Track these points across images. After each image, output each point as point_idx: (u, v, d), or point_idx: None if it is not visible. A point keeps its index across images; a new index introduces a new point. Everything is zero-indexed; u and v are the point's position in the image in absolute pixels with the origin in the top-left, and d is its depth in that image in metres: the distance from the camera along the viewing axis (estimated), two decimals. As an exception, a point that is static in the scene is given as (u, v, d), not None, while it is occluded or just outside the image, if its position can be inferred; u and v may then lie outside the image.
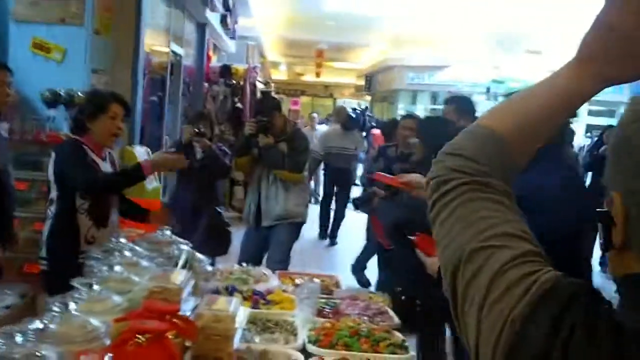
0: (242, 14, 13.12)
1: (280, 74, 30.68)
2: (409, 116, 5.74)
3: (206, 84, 10.05)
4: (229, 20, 11.03)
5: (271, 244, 4.70)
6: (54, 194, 3.15)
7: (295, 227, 4.76)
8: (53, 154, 3.20)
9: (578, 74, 0.87)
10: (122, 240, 2.48)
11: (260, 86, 12.14)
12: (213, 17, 9.74)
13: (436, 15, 14.00)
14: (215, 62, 11.32)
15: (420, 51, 19.05)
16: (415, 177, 2.78)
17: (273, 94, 13.50)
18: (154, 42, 7.11)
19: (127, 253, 2.37)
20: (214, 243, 4.82)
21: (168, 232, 2.79)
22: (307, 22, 16.45)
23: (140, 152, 5.52)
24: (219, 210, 5.07)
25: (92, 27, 5.20)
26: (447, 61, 17.31)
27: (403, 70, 20.78)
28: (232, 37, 12.71)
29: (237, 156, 4.73)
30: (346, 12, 14.66)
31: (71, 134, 3.38)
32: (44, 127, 5.00)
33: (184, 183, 4.87)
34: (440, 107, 19.33)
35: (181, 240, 2.72)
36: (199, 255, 2.72)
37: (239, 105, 9.78)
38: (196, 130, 4.65)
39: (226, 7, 10.51)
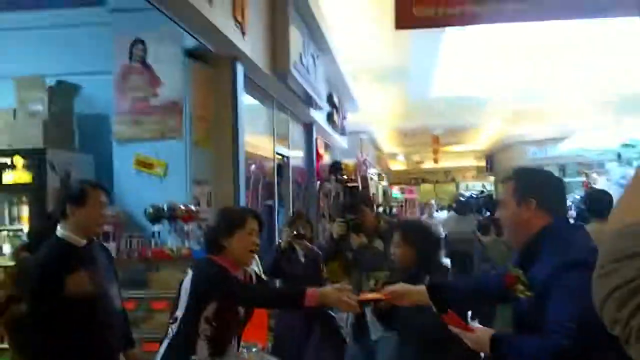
0: (350, 110, 13.20)
1: (399, 164, 30.60)
2: None
3: (319, 183, 10.01)
4: (335, 117, 11.07)
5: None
6: (179, 313, 2.95)
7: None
8: (190, 271, 3.01)
9: None
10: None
11: (373, 179, 11.93)
12: (319, 116, 9.78)
13: (551, 87, 13.45)
14: (327, 160, 11.35)
15: (539, 124, 18.31)
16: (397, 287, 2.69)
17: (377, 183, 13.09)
18: (258, 147, 7.14)
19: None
20: (330, 354, 4.50)
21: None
22: (417, 110, 16.34)
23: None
24: (331, 314, 4.73)
25: (191, 139, 5.24)
26: (568, 131, 16.45)
27: (523, 146, 19.99)
28: (342, 134, 12.75)
29: (327, 260, 4.40)
30: (455, 96, 14.41)
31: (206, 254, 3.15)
32: (149, 244, 4.99)
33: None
34: (570, 179, 18.41)
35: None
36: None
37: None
38: (295, 232, 4.42)
39: (331, 104, 10.57)
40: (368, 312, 4.10)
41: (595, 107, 14.49)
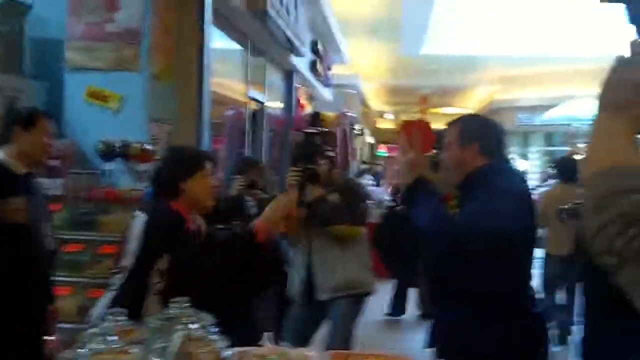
0: (337, 62, 12.74)
1: (386, 123, 30.22)
2: None
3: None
4: (319, 66, 10.63)
5: (330, 324, 3.89)
6: (126, 262, 2.68)
7: (359, 300, 3.93)
8: (140, 215, 2.72)
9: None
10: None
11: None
12: (300, 64, 9.35)
13: (545, 51, 13.05)
14: (310, 111, 10.96)
15: (530, 90, 17.95)
16: None
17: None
18: (229, 89, 6.74)
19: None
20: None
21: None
22: (407, 67, 15.89)
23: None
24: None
25: (150, 73, 4.83)
26: (558, 99, 16.12)
27: (512, 112, 19.66)
28: (327, 85, 12.33)
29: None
30: (445, 54, 13.97)
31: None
32: (99, 183, 4.62)
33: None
34: (556, 148, 18.14)
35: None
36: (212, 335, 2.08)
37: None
38: (244, 182, 4.06)
39: (315, 52, 10.12)
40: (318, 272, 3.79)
41: (586, 75, 14.15)
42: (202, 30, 5.19)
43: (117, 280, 2.68)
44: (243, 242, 2.67)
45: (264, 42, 7.47)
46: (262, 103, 8.02)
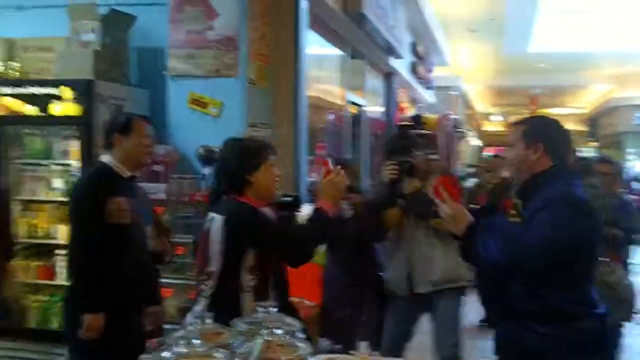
0: (438, 63, 12.49)
1: (492, 126, 29.36)
2: (604, 160, 4.80)
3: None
4: (420, 68, 10.44)
5: (435, 321, 3.81)
6: (213, 266, 2.63)
7: (459, 293, 3.84)
8: (215, 216, 2.66)
9: None
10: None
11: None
12: (400, 66, 9.21)
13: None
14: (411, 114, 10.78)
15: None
16: None
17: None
18: (326, 93, 6.74)
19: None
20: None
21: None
22: (513, 66, 15.35)
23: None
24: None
25: (247, 78, 4.89)
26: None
27: (630, 110, 18.52)
28: (429, 88, 12.11)
29: (384, 208, 3.88)
30: (555, 52, 13.36)
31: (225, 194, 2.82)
32: (200, 187, 4.71)
33: (331, 251, 4.20)
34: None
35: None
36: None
37: (433, 156, 9.02)
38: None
39: (416, 54, 9.95)
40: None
41: None
42: (297, 34, 5.21)
43: (208, 287, 2.66)
44: (322, 222, 2.65)
45: (363, 45, 7.42)
46: (361, 107, 7.96)
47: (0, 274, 3.93)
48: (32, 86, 4.56)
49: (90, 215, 3.02)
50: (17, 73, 4.84)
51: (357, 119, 7.86)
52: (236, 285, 2.58)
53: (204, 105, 4.90)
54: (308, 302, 4.35)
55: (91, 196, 3.05)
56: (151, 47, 5.17)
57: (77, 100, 4.46)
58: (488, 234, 2.43)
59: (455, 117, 11.08)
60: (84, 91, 4.48)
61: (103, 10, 4.89)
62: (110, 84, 4.72)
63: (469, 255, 2.56)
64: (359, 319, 4.00)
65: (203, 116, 4.89)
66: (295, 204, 2.94)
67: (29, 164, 4.70)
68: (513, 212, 2.59)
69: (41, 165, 4.68)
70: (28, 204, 4.74)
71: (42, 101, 4.49)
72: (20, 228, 4.64)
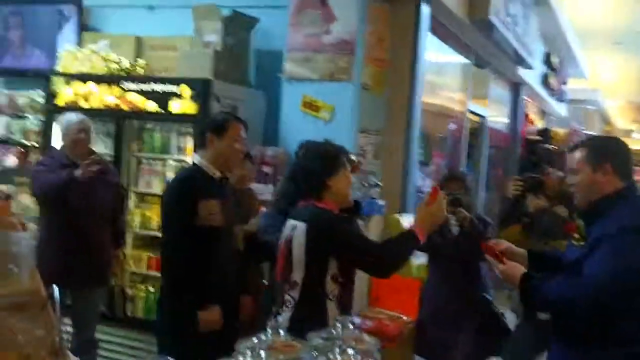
0: (574, 75, 11.81)
1: (634, 144, 27.49)
2: None
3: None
4: (552, 80, 9.91)
5: None
6: (297, 276, 2.59)
7: None
8: (297, 223, 2.61)
9: None
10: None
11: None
12: (530, 76, 8.78)
13: None
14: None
15: None
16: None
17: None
18: (445, 101, 6.53)
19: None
20: (486, 340, 3.89)
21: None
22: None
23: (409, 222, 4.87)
24: (487, 297, 4.07)
25: (361, 83, 4.82)
26: None
27: None
28: (561, 100, 11.47)
29: (503, 226, 3.67)
30: None
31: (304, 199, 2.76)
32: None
33: (433, 267, 4.03)
34: None
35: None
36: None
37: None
38: (450, 196, 3.76)
39: (548, 65, 9.45)
40: None
41: None
42: (416, 40, 5.07)
43: (292, 296, 2.61)
44: (410, 244, 2.61)
45: (488, 53, 7.13)
46: (483, 117, 7.66)
47: (109, 262, 4.12)
48: (155, 83, 4.74)
49: (181, 218, 3.01)
50: (143, 70, 5.06)
51: (477, 129, 7.57)
52: (321, 293, 2.54)
53: (316, 109, 4.88)
54: (404, 318, 4.22)
55: (183, 198, 3.04)
56: (272, 50, 5.22)
57: (194, 98, 4.59)
58: (542, 281, 2.41)
59: (589, 132, 10.40)
60: (200, 90, 4.60)
61: (227, 12, 5.01)
62: (227, 85, 4.82)
63: (533, 303, 2.55)
64: (457, 340, 3.82)
65: (314, 120, 4.87)
66: (356, 210, 2.90)
67: (147, 157, 4.90)
68: (575, 235, 2.66)
69: (158, 159, 4.86)
70: (143, 197, 4.95)
71: (163, 98, 4.66)
72: (135, 219, 4.85)
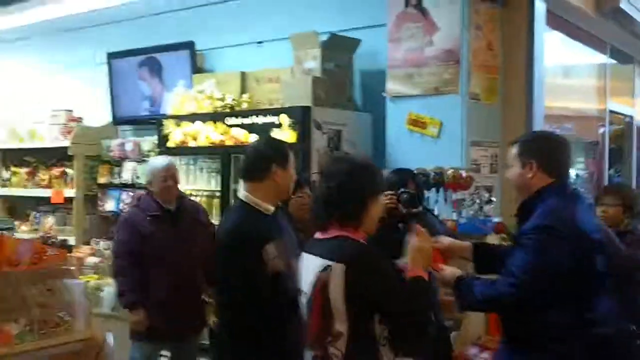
0: None
1: None
2: None
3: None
4: None
5: None
6: (341, 326, 2.19)
7: None
8: (336, 267, 2.20)
9: None
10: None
11: None
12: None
13: None
14: None
15: None
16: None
17: None
18: (576, 103, 5.92)
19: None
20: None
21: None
22: None
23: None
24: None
25: (468, 93, 4.47)
26: None
27: None
28: None
29: None
30: None
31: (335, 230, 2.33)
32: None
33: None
34: None
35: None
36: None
37: None
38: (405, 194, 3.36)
39: None
40: None
41: None
42: (531, 40, 4.63)
43: (338, 349, 2.21)
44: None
45: (628, 45, 6.39)
46: (630, 117, 6.87)
47: (204, 307, 3.93)
48: (257, 116, 4.72)
49: (255, 268, 2.64)
50: (247, 104, 5.07)
51: (623, 131, 6.79)
52: (370, 340, 2.19)
53: (423, 125, 4.60)
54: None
55: (249, 245, 2.66)
56: (376, 70, 5.02)
57: (293, 127, 4.50)
58: (472, 282, 2.50)
59: None
60: (299, 118, 4.50)
61: (324, 37, 4.90)
62: (328, 110, 4.69)
63: (467, 304, 2.61)
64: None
65: (421, 137, 4.59)
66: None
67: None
68: (502, 235, 2.85)
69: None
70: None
71: (264, 130, 4.62)
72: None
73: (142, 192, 4.60)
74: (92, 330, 2.44)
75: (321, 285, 2.21)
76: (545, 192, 2.52)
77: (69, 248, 2.66)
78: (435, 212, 4.31)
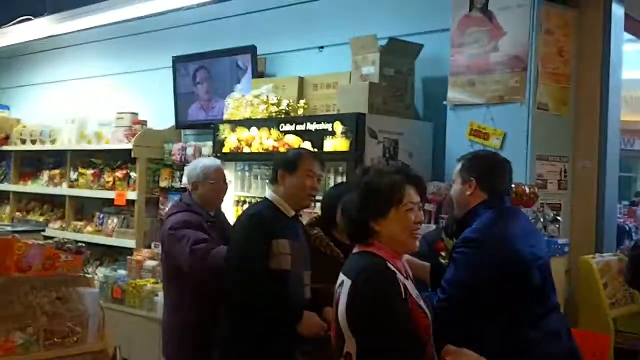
0: None
1: None
2: None
3: None
4: None
5: None
6: (350, 346, 2.03)
7: None
8: (346, 282, 2.08)
9: None
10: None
11: None
12: None
13: None
14: None
15: None
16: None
17: None
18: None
19: None
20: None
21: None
22: None
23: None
24: None
25: (537, 103, 4.15)
26: None
27: None
28: None
29: None
30: None
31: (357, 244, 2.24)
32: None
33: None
34: None
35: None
36: None
37: None
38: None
39: None
40: None
41: None
42: (608, 47, 4.27)
43: None
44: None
45: None
46: None
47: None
48: (311, 123, 4.56)
49: (256, 258, 2.80)
50: (303, 110, 4.93)
51: None
52: None
53: (485, 136, 4.31)
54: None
55: (257, 235, 2.84)
56: (438, 77, 4.77)
57: (346, 134, 4.32)
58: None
59: None
60: (353, 125, 4.31)
61: (383, 42, 4.69)
62: (385, 118, 4.48)
63: None
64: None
65: (484, 149, 4.29)
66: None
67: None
68: (442, 253, 2.87)
69: (317, 201, 4.63)
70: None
71: (318, 137, 4.46)
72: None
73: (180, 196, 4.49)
74: (105, 342, 2.33)
75: (335, 302, 2.10)
76: (480, 208, 2.67)
77: (85, 254, 2.56)
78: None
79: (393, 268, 2.07)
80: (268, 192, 3.12)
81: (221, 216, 3.96)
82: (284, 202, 3.00)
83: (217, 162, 4.00)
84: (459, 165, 2.81)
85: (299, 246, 2.97)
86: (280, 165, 3.06)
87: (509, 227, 2.60)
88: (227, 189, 3.93)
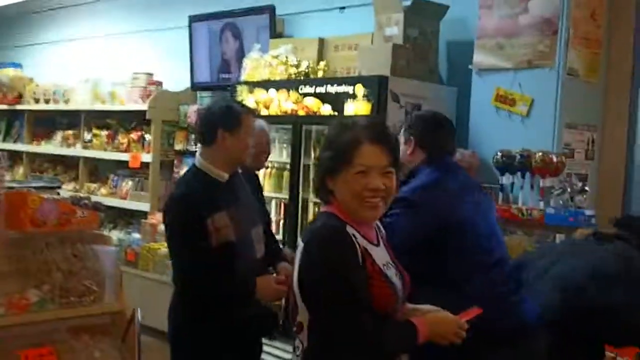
0: None
1: None
2: None
3: None
4: None
5: None
6: (302, 316, 1.88)
7: None
8: (300, 245, 1.91)
9: None
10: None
11: None
12: None
13: None
14: None
15: None
16: None
17: None
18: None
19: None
20: None
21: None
22: None
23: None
24: None
25: (567, 69, 3.99)
26: None
27: None
28: None
29: None
30: None
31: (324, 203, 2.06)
32: (495, 199, 4.02)
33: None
34: None
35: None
36: None
37: None
38: None
39: None
40: None
41: None
42: (642, 11, 4.09)
43: (301, 341, 1.90)
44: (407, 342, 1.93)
45: None
46: None
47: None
48: (332, 85, 4.43)
49: (190, 239, 2.57)
50: (323, 72, 4.79)
51: None
52: (331, 340, 1.82)
53: (511, 102, 4.17)
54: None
55: (188, 219, 2.58)
56: (464, 40, 4.61)
57: (367, 98, 4.19)
58: None
59: None
60: (375, 88, 4.17)
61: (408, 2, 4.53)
62: (408, 81, 4.34)
63: None
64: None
65: (509, 115, 4.17)
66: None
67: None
68: None
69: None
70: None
71: (338, 100, 4.34)
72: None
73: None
74: (122, 303, 2.25)
75: (293, 267, 1.92)
76: (421, 166, 2.71)
77: (103, 210, 2.48)
78: (519, 200, 3.94)
79: (353, 230, 1.87)
80: (197, 157, 2.79)
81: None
82: (215, 168, 2.70)
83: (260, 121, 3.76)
84: (402, 126, 2.86)
85: (241, 208, 2.73)
86: (219, 125, 2.69)
87: (443, 182, 2.66)
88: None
